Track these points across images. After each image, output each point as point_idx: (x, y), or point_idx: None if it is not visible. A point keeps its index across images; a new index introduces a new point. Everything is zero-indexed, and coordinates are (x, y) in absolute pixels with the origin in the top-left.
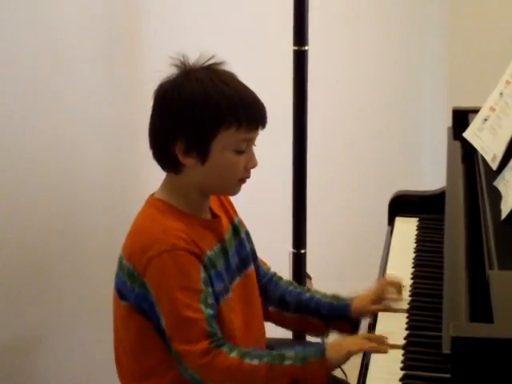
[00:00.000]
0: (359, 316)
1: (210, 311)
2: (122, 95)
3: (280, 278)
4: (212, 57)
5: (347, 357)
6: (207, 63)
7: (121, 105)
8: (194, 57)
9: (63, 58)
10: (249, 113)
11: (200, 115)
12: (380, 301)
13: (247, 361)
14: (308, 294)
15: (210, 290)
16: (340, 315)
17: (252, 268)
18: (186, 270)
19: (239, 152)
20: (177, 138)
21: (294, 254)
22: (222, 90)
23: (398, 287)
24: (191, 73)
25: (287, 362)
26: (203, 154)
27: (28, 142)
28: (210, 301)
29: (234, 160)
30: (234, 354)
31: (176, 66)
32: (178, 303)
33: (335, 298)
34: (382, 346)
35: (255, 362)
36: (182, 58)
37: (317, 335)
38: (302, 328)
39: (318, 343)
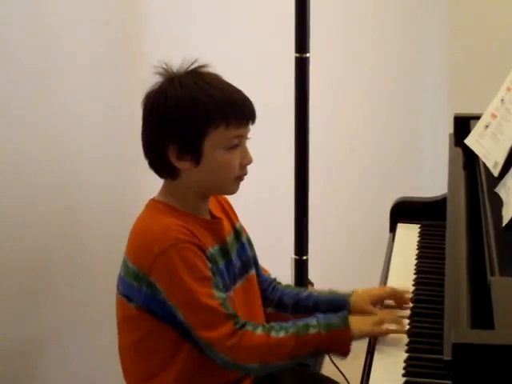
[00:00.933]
0: (357, 312)
1: (222, 294)
2: (123, 99)
3: (279, 283)
4: (195, 60)
5: (367, 334)
6: (191, 67)
7: (121, 109)
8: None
9: (64, 62)
10: (236, 110)
11: (188, 118)
12: (379, 303)
13: (273, 335)
14: (305, 293)
15: (217, 277)
16: (338, 310)
17: (253, 272)
18: (192, 261)
19: (232, 149)
20: (168, 144)
21: (295, 260)
22: (207, 92)
23: (405, 299)
24: (175, 78)
25: (312, 331)
26: (196, 156)
27: (28, 146)
28: (220, 286)
29: (228, 158)
30: (259, 331)
31: (160, 73)
32: (193, 293)
33: (332, 293)
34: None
35: (282, 334)
36: (164, 66)
37: None
38: None
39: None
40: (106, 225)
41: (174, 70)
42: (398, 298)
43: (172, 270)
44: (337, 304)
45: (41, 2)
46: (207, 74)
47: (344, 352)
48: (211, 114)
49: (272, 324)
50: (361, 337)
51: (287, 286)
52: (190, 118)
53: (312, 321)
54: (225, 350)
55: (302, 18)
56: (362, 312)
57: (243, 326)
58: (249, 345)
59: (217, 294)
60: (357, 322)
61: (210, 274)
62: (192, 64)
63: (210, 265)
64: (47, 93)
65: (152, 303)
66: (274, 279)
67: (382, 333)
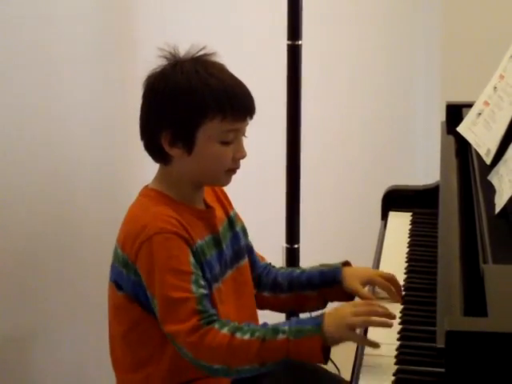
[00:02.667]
0: (349, 290)
1: (202, 291)
2: (115, 90)
3: (273, 266)
4: (202, 48)
5: (349, 332)
6: (197, 54)
7: (114, 100)
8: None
9: (53, 55)
10: (234, 103)
11: (184, 106)
12: (370, 285)
13: (238, 336)
14: (298, 271)
15: (201, 273)
16: (331, 280)
17: (245, 261)
18: (174, 252)
19: (226, 143)
20: (162, 129)
21: (287, 248)
22: (206, 81)
23: (398, 287)
24: (178, 64)
25: (281, 336)
26: (189, 145)
27: (23, 132)
28: (202, 282)
29: (221, 151)
30: (225, 330)
31: (165, 57)
32: (167, 285)
33: (324, 265)
34: (387, 318)
35: (247, 336)
36: (172, 50)
37: (315, 309)
38: (298, 305)
39: (317, 316)
40: (100, 213)
41: (180, 55)
42: (393, 282)
43: (152, 257)
44: (329, 275)
45: None
46: (211, 62)
47: (316, 360)
48: (207, 104)
49: (242, 325)
50: (341, 338)
51: (280, 268)
52: (186, 106)
53: (283, 326)
54: (186, 344)
55: (295, 5)
56: (351, 291)
57: (210, 323)
58: (210, 343)
59: (194, 289)
60: (333, 323)
61: (190, 268)
62: (199, 51)
63: (193, 260)
64: (37, 86)
65: (139, 291)
66: (269, 264)
67: (366, 322)
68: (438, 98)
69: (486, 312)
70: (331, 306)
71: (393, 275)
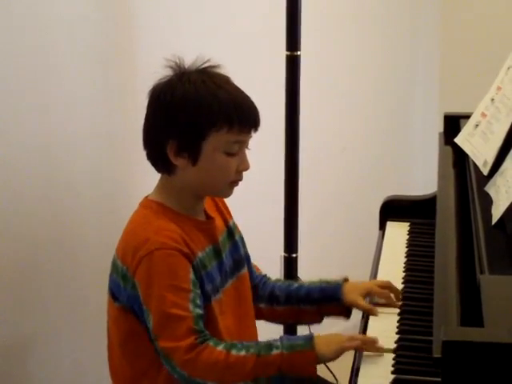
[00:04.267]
0: (349, 303)
1: (198, 311)
2: (115, 96)
3: (269, 278)
4: (208, 60)
5: (338, 352)
6: (202, 66)
7: (114, 106)
8: (187, 61)
9: (53, 62)
10: (240, 115)
11: (191, 116)
12: (369, 297)
13: (234, 353)
14: (296, 284)
15: (199, 291)
16: (331, 296)
17: (245, 270)
18: (174, 268)
19: (230, 154)
20: (168, 139)
21: (285, 257)
22: (213, 92)
23: (396, 292)
24: (185, 75)
25: (275, 351)
26: (194, 155)
27: (22, 141)
28: (199, 302)
29: (225, 162)
30: (220, 348)
31: (171, 67)
32: (165, 301)
33: (324, 281)
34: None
35: (242, 353)
36: (177, 61)
37: (311, 323)
38: (295, 319)
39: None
40: (97, 224)
41: (186, 66)
42: (390, 289)
43: (152, 272)
44: (329, 292)
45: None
46: (217, 74)
47: (309, 373)
48: (215, 115)
49: (235, 342)
50: (330, 356)
51: (277, 280)
52: (193, 117)
53: (276, 342)
54: (182, 362)
55: (294, 15)
56: (351, 304)
57: (205, 341)
58: (207, 360)
59: (191, 308)
60: (323, 343)
61: (190, 286)
62: (204, 63)
63: (193, 278)
64: (36, 91)
65: (135, 304)
66: (265, 275)
67: (354, 348)
68: (436, 109)
69: (483, 322)
70: (326, 321)
71: (388, 281)
